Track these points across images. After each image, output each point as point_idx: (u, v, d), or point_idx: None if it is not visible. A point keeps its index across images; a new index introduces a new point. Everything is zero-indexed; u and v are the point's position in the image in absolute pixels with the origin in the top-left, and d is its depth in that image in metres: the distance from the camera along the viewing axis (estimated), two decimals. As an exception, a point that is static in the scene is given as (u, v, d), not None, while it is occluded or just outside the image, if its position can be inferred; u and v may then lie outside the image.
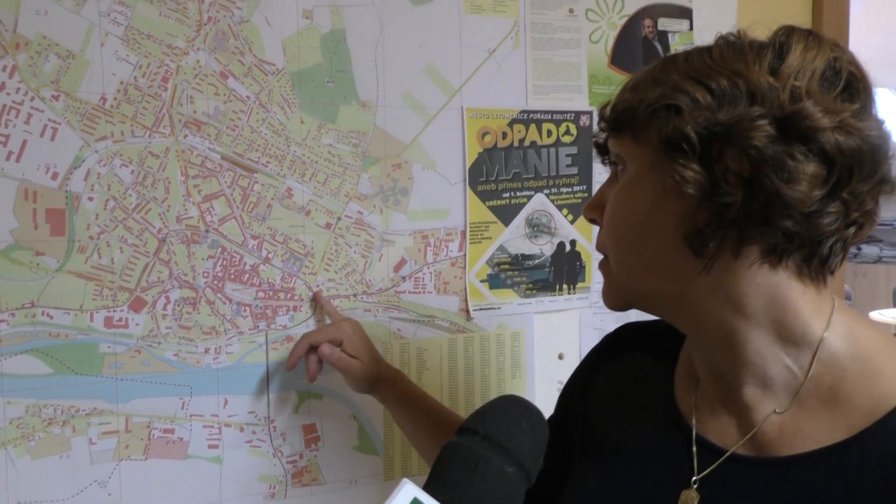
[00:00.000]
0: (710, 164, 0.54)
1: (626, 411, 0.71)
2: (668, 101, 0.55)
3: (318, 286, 1.00)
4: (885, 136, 0.55)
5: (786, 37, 0.56)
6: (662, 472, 0.64)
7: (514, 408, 0.58)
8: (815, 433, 0.56)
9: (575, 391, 0.79)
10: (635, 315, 0.67)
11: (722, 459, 0.60)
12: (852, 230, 0.56)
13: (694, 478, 0.61)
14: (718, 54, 0.56)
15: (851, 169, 0.53)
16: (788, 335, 0.57)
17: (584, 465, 0.71)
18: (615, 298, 0.64)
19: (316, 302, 1.00)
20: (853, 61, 0.56)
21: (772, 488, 0.57)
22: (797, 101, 0.53)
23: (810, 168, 0.52)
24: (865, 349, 0.57)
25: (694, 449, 0.62)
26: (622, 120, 0.60)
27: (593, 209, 0.65)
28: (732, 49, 0.56)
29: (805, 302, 0.57)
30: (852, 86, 0.55)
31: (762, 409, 0.59)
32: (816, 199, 0.53)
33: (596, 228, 0.66)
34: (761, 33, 0.58)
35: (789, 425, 0.58)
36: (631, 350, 0.75)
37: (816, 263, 0.56)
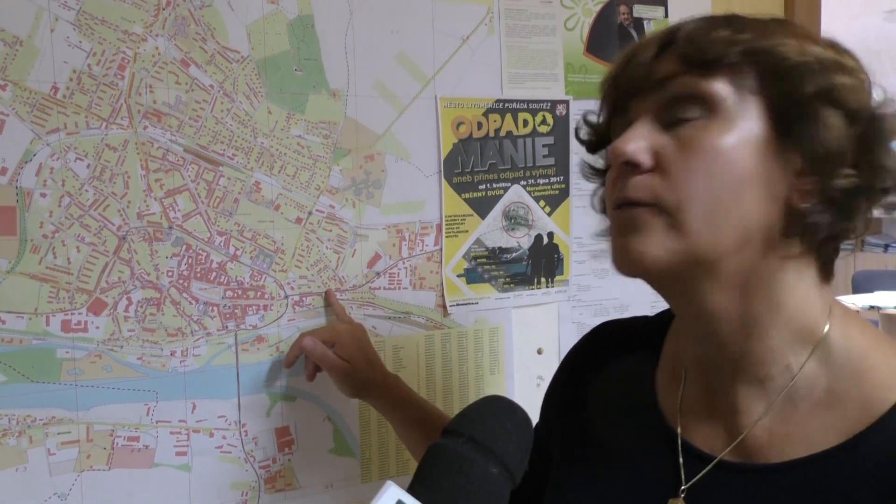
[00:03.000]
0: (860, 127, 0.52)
1: (608, 415, 0.68)
2: (805, 57, 0.52)
3: (289, 283, 0.96)
4: None
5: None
6: (648, 480, 0.61)
7: (498, 409, 0.57)
8: (805, 438, 0.54)
9: (556, 395, 0.76)
10: (613, 309, 0.63)
11: (709, 468, 0.57)
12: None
13: (682, 487, 0.58)
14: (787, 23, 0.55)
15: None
16: (801, 331, 0.55)
17: (566, 471, 0.69)
18: (664, 256, 0.53)
19: (326, 300, 0.98)
20: None
21: (762, 497, 0.55)
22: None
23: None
24: (858, 347, 0.55)
25: (681, 460, 0.59)
26: (730, 61, 0.52)
27: (644, 152, 0.54)
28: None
29: (818, 295, 0.56)
30: None
31: (753, 411, 0.57)
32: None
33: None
34: None
35: (779, 430, 0.55)
36: (610, 350, 0.73)
37: (832, 256, 0.56)
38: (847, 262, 6.87)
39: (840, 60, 0.53)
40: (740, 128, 0.52)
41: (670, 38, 0.55)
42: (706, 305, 0.55)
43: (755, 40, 0.52)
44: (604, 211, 0.66)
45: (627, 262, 0.55)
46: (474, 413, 0.57)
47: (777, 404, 0.56)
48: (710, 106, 0.53)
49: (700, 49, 0.53)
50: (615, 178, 0.56)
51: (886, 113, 0.53)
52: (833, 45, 0.55)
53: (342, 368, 0.91)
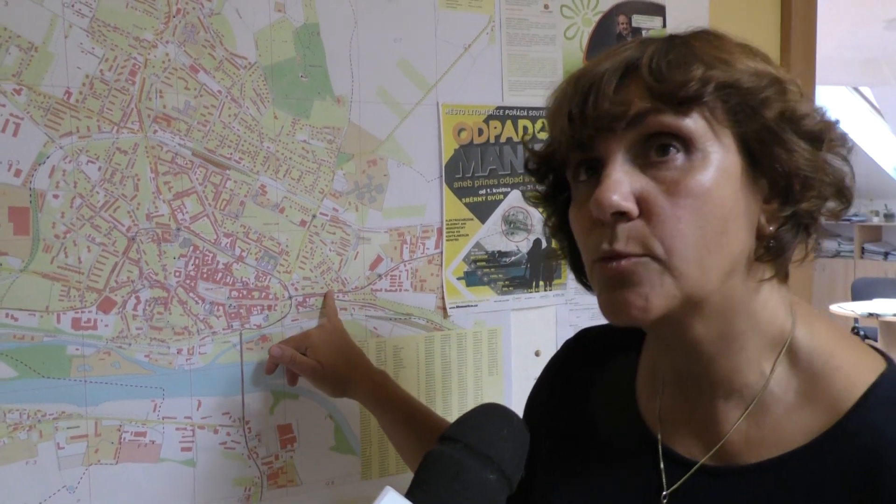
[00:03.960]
0: (818, 147, 0.54)
1: (590, 422, 0.70)
2: (769, 82, 0.53)
3: (293, 284, 0.99)
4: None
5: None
6: (631, 486, 0.63)
7: (495, 416, 0.59)
8: (778, 440, 0.56)
9: (538, 402, 0.78)
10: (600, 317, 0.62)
11: (690, 473, 0.59)
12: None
13: (664, 493, 0.60)
14: (739, 42, 0.56)
15: None
16: (773, 338, 0.57)
17: (551, 478, 0.70)
18: (663, 304, 0.53)
19: (323, 301, 1.00)
20: None
21: (739, 499, 0.57)
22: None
23: None
24: (823, 347, 0.57)
25: (661, 465, 0.61)
26: (706, 95, 0.52)
27: (630, 200, 0.52)
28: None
29: (780, 299, 0.57)
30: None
31: (729, 418, 0.59)
32: None
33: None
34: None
35: (755, 434, 0.57)
36: (590, 358, 0.74)
37: (788, 261, 0.58)
38: (847, 270, 6.88)
39: (779, 76, 0.54)
40: (718, 164, 0.52)
41: (629, 67, 0.54)
42: (689, 334, 0.57)
43: (722, 72, 0.52)
44: (554, 236, 0.67)
45: (626, 317, 0.54)
46: (471, 420, 0.58)
47: (752, 410, 0.58)
48: (687, 143, 0.53)
49: (675, 87, 0.52)
50: (595, 226, 0.55)
51: (834, 127, 0.55)
52: (765, 57, 0.56)
53: (312, 371, 0.93)
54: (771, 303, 0.57)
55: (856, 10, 3.71)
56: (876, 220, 6.88)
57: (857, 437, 0.53)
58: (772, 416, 0.57)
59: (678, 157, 0.53)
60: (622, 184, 0.53)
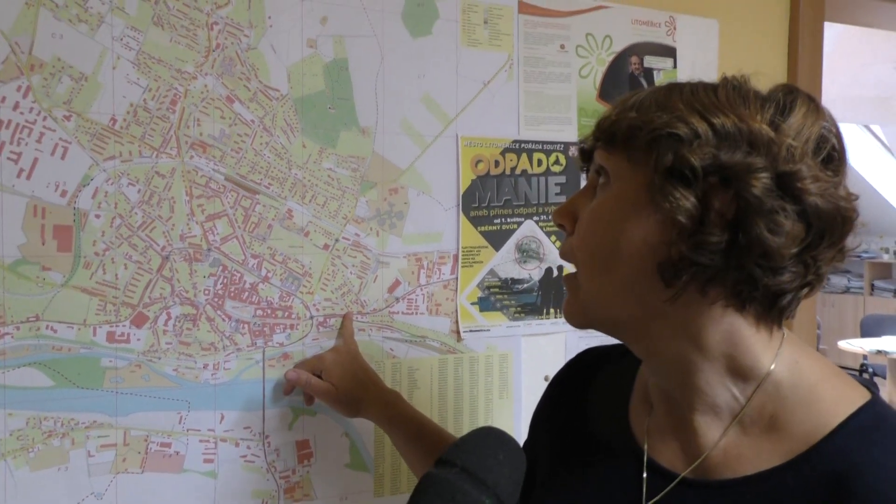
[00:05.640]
0: (705, 200, 0.56)
1: (586, 435, 0.74)
2: (673, 130, 0.57)
3: (315, 304, 1.03)
4: (854, 210, 0.58)
5: (790, 96, 0.59)
6: (615, 496, 0.67)
7: (492, 440, 0.60)
8: (755, 458, 0.60)
9: (541, 416, 0.82)
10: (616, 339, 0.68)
11: (672, 485, 0.63)
12: (805, 290, 0.59)
13: (647, 503, 0.64)
14: (724, 95, 0.58)
15: (823, 235, 0.57)
16: (738, 369, 0.61)
17: (547, 487, 0.74)
18: (579, 317, 0.64)
19: (342, 322, 1.05)
20: (839, 136, 0.60)
21: None
22: (792, 161, 0.55)
23: (792, 226, 0.55)
24: (807, 379, 0.60)
25: (644, 475, 0.65)
26: (621, 136, 0.60)
27: (565, 216, 0.65)
28: (738, 93, 0.59)
29: (757, 340, 0.60)
30: (833, 158, 0.59)
31: (710, 434, 0.62)
32: (790, 255, 0.56)
33: None
34: (756, 79, 0.61)
35: (733, 450, 0.61)
36: (591, 375, 0.79)
37: (775, 313, 0.60)
38: (856, 306, 6.86)
39: (692, 122, 0.57)
40: (620, 194, 0.61)
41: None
42: (642, 350, 0.64)
43: (640, 116, 0.59)
44: None
45: (566, 318, 0.66)
46: (468, 443, 0.59)
47: (730, 429, 0.61)
48: (607, 175, 0.62)
49: (600, 126, 0.63)
50: None
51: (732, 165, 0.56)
52: (709, 105, 0.58)
53: (326, 392, 0.98)
54: (713, 330, 0.60)
55: (866, 49, 3.77)
56: (886, 258, 6.87)
57: (827, 461, 0.57)
58: (750, 436, 0.61)
59: (603, 186, 0.63)
60: (570, 203, 0.65)
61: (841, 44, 3.69)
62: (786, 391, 0.60)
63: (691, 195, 0.56)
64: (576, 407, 0.77)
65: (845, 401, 0.59)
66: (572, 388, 0.79)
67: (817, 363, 0.62)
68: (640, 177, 0.59)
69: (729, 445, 0.61)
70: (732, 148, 0.56)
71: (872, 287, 6.89)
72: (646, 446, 0.67)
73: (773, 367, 0.60)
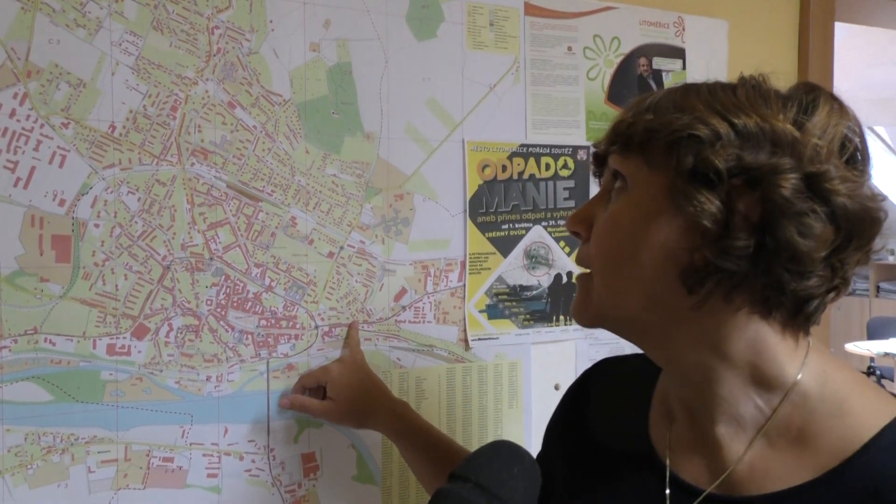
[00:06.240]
0: (729, 203, 0.54)
1: (604, 448, 0.71)
2: (693, 131, 0.55)
3: (319, 314, 1.01)
4: (882, 211, 0.56)
5: (813, 95, 0.57)
6: None
7: (505, 454, 0.59)
8: (784, 473, 0.57)
9: (555, 427, 0.80)
10: (629, 347, 0.66)
11: (697, 502, 0.60)
12: (831, 295, 0.57)
13: None
14: (744, 95, 0.56)
15: (851, 237, 0.55)
16: (763, 378, 0.58)
17: (565, 501, 0.72)
18: (590, 316, 0.63)
19: (347, 331, 1.02)
20: (863, 134, 0.58)
21: None
22: (819, 161, 0.53)
23: (822, 228, 0.53)
24: (837, 390, 0.58)
25: (668, 491, 0.62)
26: (638, 139, 0.58)
27: (580, 223, 0.63)
28: (758, 93, 0.57)
29: (783, 348, 0.58)
30: (858, 157, 0.57)
31: (734, 447, 0.60)
32: (820, 259, 0.54)
33: None
34: (776, 77, 0.59)
35: (759, 465, 0.58)
36: (608, 385, 0.76)
37: (801, 319, 0.57)
38: (862, 308, 6.82)
39: (713, 123, 0.54)
40: (638, 199, 0.59)
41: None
42: (660, 356, 0.62)
43: (657, 118, 0.57)
44: None
45: (573, 315, 0.65)
46: (481, 458, 0.58)
47: (756, 442, 0.59)
48: (623, 180, 0.60)
49: (615, 129, 0.61)
50: None
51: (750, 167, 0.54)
52: (731, 106, 0.56)
53: (326, 412, 0.96)
54: (737, 338, 0.57)
55: (870, 50, 3.75)
56: (891, 259, 6.83)
57: (859, 478, 0.54)
58: (776, 450, 0.58)
59: (619, 191, 0.61)
60: (585, 209, 0.64)
61: (845, 45, 3.67)
62: (814, 402, 0.58)
63: (715, 198, 0.54)
64: (592, 419, 0.74)
65: (877, 412, 0.57)
66: (588, 399, 0.76)
67: (846, 373, 0.60)
68: (660, 181, 0.57)
69: (755, 459, 0.59)
70: (756, 149, 0.54)
71: (878, 289, 6.85)
72: (668, 460, 0.64)
73: (799, 376, 0.58)
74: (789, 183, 0.53)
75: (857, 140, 0.57)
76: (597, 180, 0.67)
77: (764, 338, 0.58)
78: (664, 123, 0.57)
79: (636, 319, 0.60)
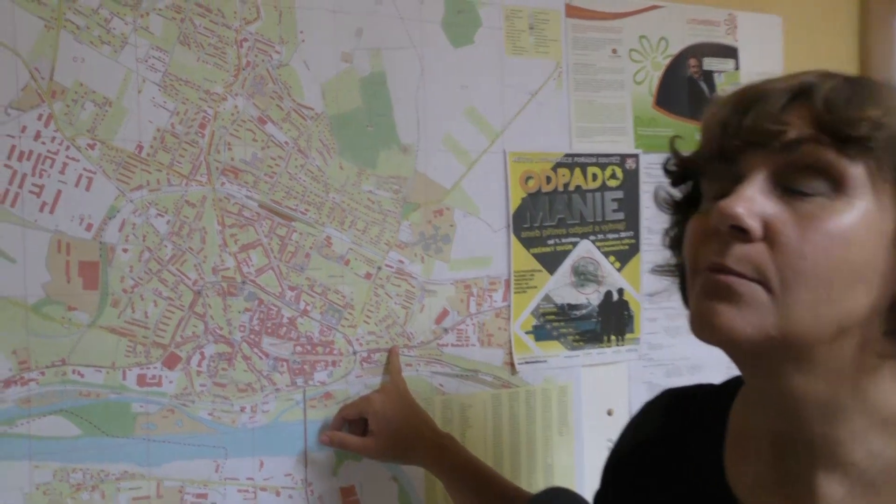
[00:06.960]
0: None
1: (672, 491, 0.64)
2: None
3: (357, 339, 0.95)
4: None
5: None
6: None
7: (563, 501, 0.54)
8: None
9: (615, 468, 0.72)
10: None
11: None
12: None
13: None
14: None
15: None
16: (889, 420, 0.51)
17: None
18: (759, 333, 0.49)
19: (388, 357, 0.97)
20: None
21: None
22: None
23: None
24: None
25: None
26: (884, 143, 0.48)
27: (756, 219, 0.49)
28: None
29: None
30: None
31: (830, 495, 0.52)
32: None
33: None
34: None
35: None
36: (673, 421, 0.68)
37: None
38: None
39: None
40: (866, 215, 0.48)
41: (803, 92, 0.50)
42: (787, 385, 0.51)
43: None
44: (671, 248, 0.63)
45: (711, 329, 0.49)
46: None
47: (858, 489, 0.51)
48: (839, 185, 0.48)
49: (844, 123, 0.47)
50: (710, 237, 0.51)
51: None
52: None
53: (365, 449, 0.90)
54: (887, 386, 0.51)
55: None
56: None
57: None
58: (880, 498, 0.51)
59: (823, 196, 0.48)
60: (753, 201, 0.49)
61: None
62: None
63: None
64: (660, 456, 0.67)
65: None
66: (654, 435, 0.69)
67: None
68: (889, 192, 0.48)
69: None
70: None
71: None
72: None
73: None
74: None
75: None
76: (704, 179, 0.56)
77: None
78: None
79: (808, 348, 0.50)
